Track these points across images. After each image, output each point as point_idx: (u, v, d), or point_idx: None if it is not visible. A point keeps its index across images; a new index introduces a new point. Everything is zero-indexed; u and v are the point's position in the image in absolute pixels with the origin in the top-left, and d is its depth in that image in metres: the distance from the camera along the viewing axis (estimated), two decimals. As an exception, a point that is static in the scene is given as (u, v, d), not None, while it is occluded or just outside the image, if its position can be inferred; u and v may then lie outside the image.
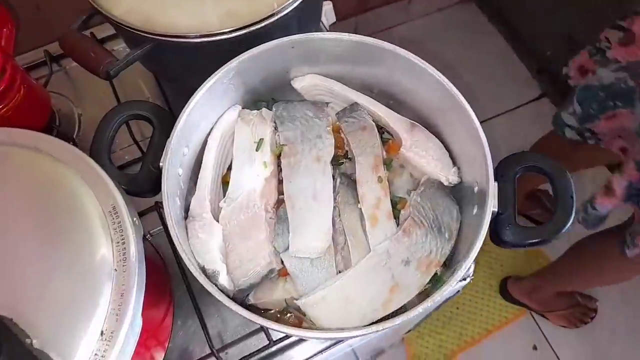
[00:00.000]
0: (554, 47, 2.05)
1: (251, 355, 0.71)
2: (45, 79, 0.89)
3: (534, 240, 0.58)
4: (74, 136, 0.88)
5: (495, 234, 0.59)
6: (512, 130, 2.02)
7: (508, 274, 1.88)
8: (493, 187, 0.59)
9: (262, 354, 0.72)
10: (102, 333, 0.46)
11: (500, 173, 0.61)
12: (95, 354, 0.45)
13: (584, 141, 1.09)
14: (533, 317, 1.82)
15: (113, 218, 0.52)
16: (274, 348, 0.72)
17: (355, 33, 0.66)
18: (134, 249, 0.50)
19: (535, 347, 1.79)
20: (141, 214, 0.77)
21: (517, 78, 2.23)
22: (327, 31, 0.96)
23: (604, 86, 0.99)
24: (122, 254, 0.50)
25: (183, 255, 0.56)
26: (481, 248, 0.55)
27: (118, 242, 0.51)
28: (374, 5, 2.26)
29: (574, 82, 1.13)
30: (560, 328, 1.78)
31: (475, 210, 0.61)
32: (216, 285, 0.59)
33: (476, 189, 0.63)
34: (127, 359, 0.48)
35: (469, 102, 0.63)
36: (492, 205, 0.58)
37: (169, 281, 0.73)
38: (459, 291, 0.86)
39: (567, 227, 0.56)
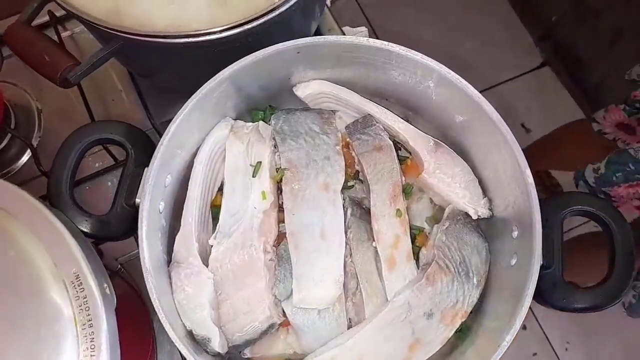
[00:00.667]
0: (561, 11, 1.92)
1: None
2: (-6, 67, 0.74)
3: (585, 306, 0.49)
4: (33, 138, 0.75)
5: (537, 292, 0.50)
6: (513, 100, 1.93)
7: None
8: (539, 235, 0.49)
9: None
10: None
11: (544, 216, 0.51)
12: None
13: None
14: (538, 322, 1.78)
15: (77, 291, 0.41)
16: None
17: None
18: (105, 334, 0.40)
19: (524, 327, 1.77)
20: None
21: (519, 44, 2.11)
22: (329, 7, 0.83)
23: (636, 160, 0.94)
24: (90, 339, 0.40)
25: (165, 323, 0.46)
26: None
27: (84, 324, 0.40)
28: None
29: (609, 134, 1.09)
30: (562, 336, 1.74)
31: (514, 261, 0.52)
32: (206, 351, 0.50)
33: (515, 233, 0.53)
34: None
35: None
36: (539, 259, 0.49)
37: (147, 318, 0.63)
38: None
39: (625, 292, 0.48)
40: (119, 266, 0.67)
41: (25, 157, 0.75)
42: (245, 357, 0.56)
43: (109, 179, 0.72)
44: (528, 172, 0.50)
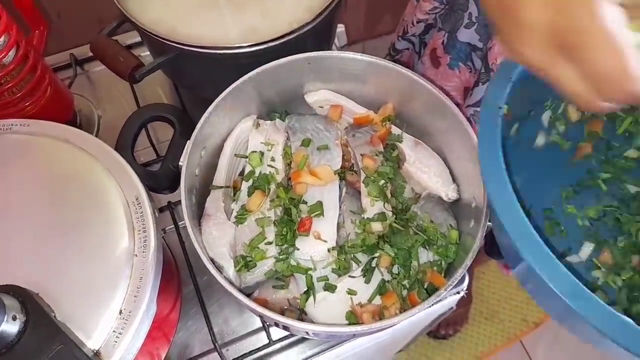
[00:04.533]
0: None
1: (250, 353, 0.74)
2: (70, 81, 0.93)
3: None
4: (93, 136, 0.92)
5: (489, 247, 0.63)
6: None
7: (499, 300, 1.91)
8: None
9: (261, 353, 0.75)
10: (120, 312, 0.50)
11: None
12: (114, 331, 0.49)
13: None
14: (524, 347, 1.85)
15: (136, 208, 0.56)
16: (273, 347, 0.75)
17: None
18: (154, 238, 0.54)
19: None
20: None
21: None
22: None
23: None
24: (143, 241, 0.54)
25: (196, 245, 0.59)
26: (474, 275, 0.59)
27: (139, 231, 0.54)
28: (382, 32, 2.34)
29: None
30: (551, 355, 1.80)
31: (472, 224, 0.65)
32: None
33: (474, 204, 0.67)
34: (141, 340, 0.51)
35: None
36: (487, 220, 0.62)
37: (177, 277, 0.76)
38: (452, 308, 0.89)
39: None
40: (162, 231, 0.81)
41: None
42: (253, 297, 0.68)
43: (153, 168, 0.88)
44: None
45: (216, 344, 0.72)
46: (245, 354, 0.74)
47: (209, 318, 0.74)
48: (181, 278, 0.78)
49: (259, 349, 0.74)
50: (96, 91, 0.98)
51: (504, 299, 1.92)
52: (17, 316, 0.45)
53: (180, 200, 0.62)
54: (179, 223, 0.82)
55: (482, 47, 0.81)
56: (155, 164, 0.88)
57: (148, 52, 0.92)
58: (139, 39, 0.99)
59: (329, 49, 0.93)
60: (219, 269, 0.63)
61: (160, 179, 0.65)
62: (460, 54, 0.84)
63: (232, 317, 0.79)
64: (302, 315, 0.66)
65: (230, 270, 0.63)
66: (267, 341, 0.74)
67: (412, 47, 1.07)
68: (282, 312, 0.67)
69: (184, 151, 0.66)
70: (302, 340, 0.76)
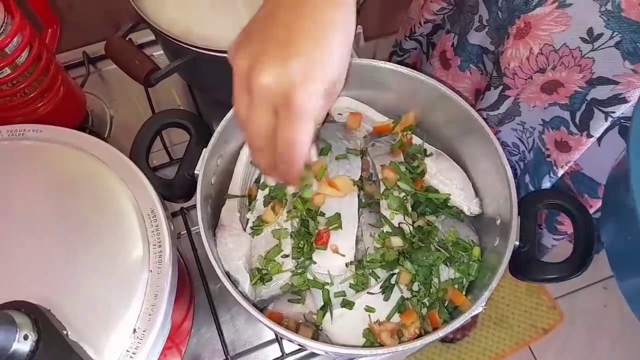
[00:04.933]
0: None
1: (263, 365, 0.72)
2: (82, 80, 0.91)
3: (552, 277, 0.59)
4: (105, 137, 0.90)
5: (514, 267, 0.60)
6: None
7: (508, 305, 1.89)
8: (516, 222, 0.61)
9: (274, 365, 0.73)
10: (134, 331, 0.48)
11: (522, 209, 0.62)
12: (127, 351, 0.47)
13: None
14: (532, 353, 1.83)
15: (151, 221, 0.54)
16: (286, 360, 0.73)
17: (374, 56, 0.68)
18: (169, 253, 0.52)
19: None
20: (166, 218, 0.79)
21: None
22: (357, 53, 0.99)
23: None
24: (158, 256, 0.52)
25: (212, 258, 0.58)
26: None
27: (155, 245, 0.53)
28: (394, 30, 2.32)
29: None
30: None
31: (497, 242, 0.63)
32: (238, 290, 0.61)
33: (498, 221, 0.64)
34: (155, 359, 0.50)
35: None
36: (514, 239, 0.60)
37: (190, 286, 0.74)
38: (468, 319, 0.87)
39: (586, 267, 0.58)
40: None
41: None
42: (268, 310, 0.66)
43: (164, 173, 0.86)
44: (510, 171, 0.62)
45: (228, 356, 0.70)
46: (257, 366, 0.72)
47: (221, 328, 0.72)
48: (193, 286, 0.76)
49: (270, 362, 0.73)
50: (109, 91, 0.96)
51: (513, 304, 1.89)
52: (29, 335, 0.43)
53: (193, 205, 0.60)
54: (192, 229, 0.80)
55: (494, 50, 0.79)
56: (168, 167, 0.87)
57: (162, 52, 0.90)
58: (152, 37, 0.96)
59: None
60: (234, 282, 0.61)
61: (175, 188, 0.63)
62: (471, 56, 0.82)
63: (245, 327, 0.77)
64: (317, 332, 0.64)
65: (246, 284, 0.62)
66: (280, 354, 0.73)
67: (419, 47, 1.05)
68: (297, 327, 0.65)
69: (200, 159, 0.64)
70: (315, 355, 0.75)
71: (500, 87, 0.72)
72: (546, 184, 0.80)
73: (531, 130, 0.82)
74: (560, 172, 0.77)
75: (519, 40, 0.69)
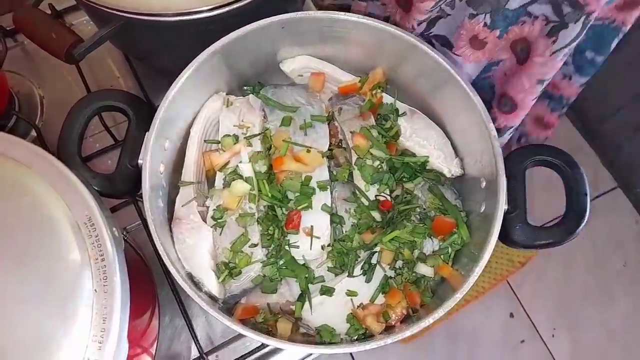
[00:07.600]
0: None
1: (244, 356, 0.67)
2: (0, 57, 0.79)
3: (545, 242, 0.55)
4: (36, 122, 0.79)
5: (504, 234, 0.55)
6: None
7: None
8: (504, 184, 0.55)
9: (256, 355, 0.68)
10: (84, 364, 0.41)
11: (508, 168, 0.56)
12: (79, 389, 0.40)
13: None
14: (510, 286, 1.86)
15: (89, 231, 0.46)
16: (266, 349, 0.68)
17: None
18: (116, 266, 0.45)
19: (512, 315, 1.83)
20: (115, 209, 0.70)
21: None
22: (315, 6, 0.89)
23: None
24: (102, 272, 0.44)
25: (169, 265, 0.51)
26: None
27: (97, 259, 0.45)
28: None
29: None
30: (536, 296, 1.82)
31: (483, 208, 0.58)
32: (204, 292, 0.54)
33: (484, 184, 0.59)
34: (114, 387, 0.43)
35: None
36: (503, 203, 0.54)
37: (152, 283, 0.67)
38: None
39: (580, 229, 0.53)
40: (124, 231, 0.71)
41: (30, 139, 0.79)
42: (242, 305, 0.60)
43: (110, 157, 0.77)
44: (491, 125, 0.56)
45: (202, 354, 0.65)
46: (238, 358, 0.67)
47: (193, 326, 0.66)
48: (156, 279, 0.69)
49: (252, 352, 0.68)
50: (35, 67, 0.84)
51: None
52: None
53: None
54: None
55: None
56: (112, 150, 0.77)
57: (88, 18, 0.78)
58: (72, 2, 0.83)
59: (300, 8, 0.80)
60: (198, 283, 0.55)
61: (117, 183, 0.55)
62: (513, 19, 0.72)
63: (219, 318, 0.71)
64: (297, 323, 0.59)
65: (212, 283, 0.55)
66: (259, 343, 0.68)
67: None
68: (275, 320, 0.59)
69: (143, 146, 0.55)
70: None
71: (583, 17, 0.63)
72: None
73: None
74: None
75: None
